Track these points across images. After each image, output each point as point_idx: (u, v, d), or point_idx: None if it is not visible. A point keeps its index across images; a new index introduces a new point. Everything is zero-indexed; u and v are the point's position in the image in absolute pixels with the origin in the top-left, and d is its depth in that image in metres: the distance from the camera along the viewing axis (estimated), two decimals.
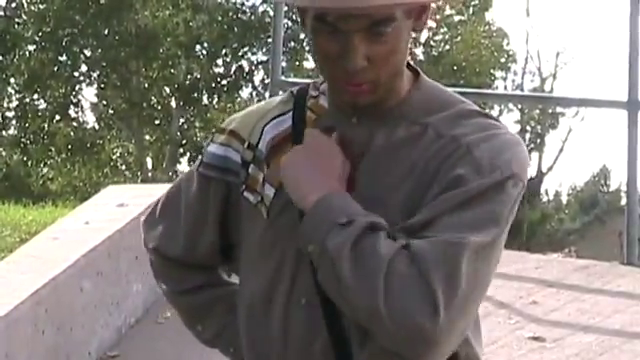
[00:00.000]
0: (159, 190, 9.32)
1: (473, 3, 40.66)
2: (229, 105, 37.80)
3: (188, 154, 38.61)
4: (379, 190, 3.11)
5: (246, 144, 3.34)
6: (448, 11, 41.76)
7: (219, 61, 38.52)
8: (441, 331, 2.93)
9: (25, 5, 38.32)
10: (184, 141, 38.72)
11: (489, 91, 37.03)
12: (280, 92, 16.37)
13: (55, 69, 37.77)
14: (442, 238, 2.92)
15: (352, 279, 2.96)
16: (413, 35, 3.14)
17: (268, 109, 3.41)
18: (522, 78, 41.02)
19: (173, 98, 38.46)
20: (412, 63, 3.25)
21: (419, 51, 41.44)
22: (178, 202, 3.54)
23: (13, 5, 37.87)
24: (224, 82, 38.55)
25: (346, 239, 2.95)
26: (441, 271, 2.90)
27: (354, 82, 3.08)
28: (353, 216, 2.99)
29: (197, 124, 38.39)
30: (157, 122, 38.20)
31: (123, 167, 35.59)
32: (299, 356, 3.21)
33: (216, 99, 38.79)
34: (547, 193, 43.88)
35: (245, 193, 3.29)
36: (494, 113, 40.30)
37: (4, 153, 35.74)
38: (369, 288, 2.94)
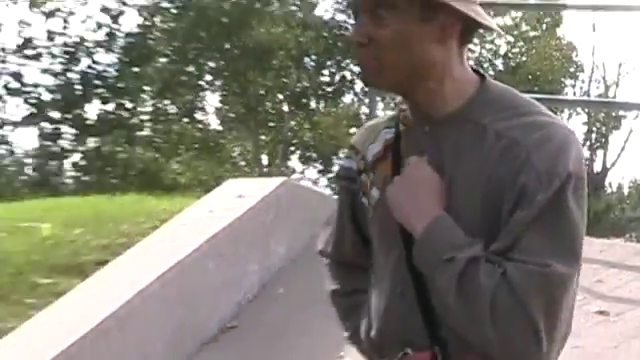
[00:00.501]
0: (273, 184, 9.51)
1: (546, 20, 40.23)
2: (333, 109, 37.63)
3: (298, 152, 38.47)
4: (455, 200, 3.04)
5: (360, 155, 3.33)
6: (524, 27, 41.39)
7: (325, 71, 38.19)
8: (546, 354, 2.92)
9: (158, 23, 38.33)
10: (295, 141, 38.49)
11: (560, 97, 36.39)
12: (377, 97, 16.25)
13: (183, 78, 37.73)
14: (534, 267, 2.86)
15: (460, 310, 2.96)
16: (436, 44, 3.05)
17: (380, 123, 3.37)
18: (589, 86, 40.28)
19: (285, 103, 38.26)
20: (480, 70, 3.22)
21: (499, 62, 41.05)
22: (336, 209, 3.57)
23: (148, 24, 37.92)
24: (329, 89, 38.26)
25: (452, 276, 2.93)
26: (540, 302, 2.87)
27: (359, 59, 3.08)
28: (456, 250, 2.94)
29: (306, 126, 38.07)
30: (271, 124, 38.02)
31: (242, 163, 35.48)
32: (397, 341, 3.16)
33: (322, 104, 38.51)
34: (611, 186, 42.92)
35: (362, 197, 3.31)
36: (564, 117, 39.95)
37: (140, 151, 35.68)
38: (477, 319, 2.94)
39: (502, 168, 2.97)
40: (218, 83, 38.36)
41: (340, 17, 37.28)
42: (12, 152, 36.83)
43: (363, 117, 30.27)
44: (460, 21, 3.05)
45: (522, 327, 2.88)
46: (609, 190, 42.64)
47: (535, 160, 2.95)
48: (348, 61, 36.95)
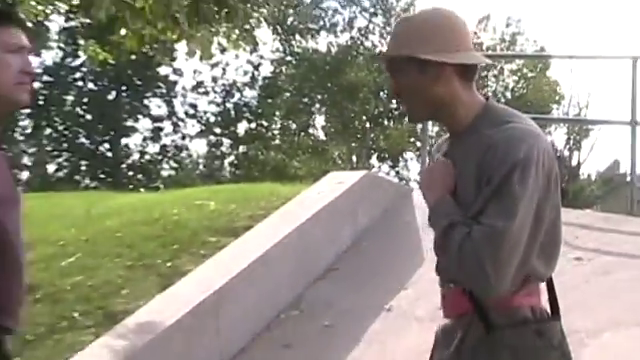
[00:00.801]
0: (359, 174, 9.50)
1: (539, 65, 39.78)
2: (399, 126, 37.54)
3: (376, 154, 38.34)
4: (460, 185, 3.02)
5: (435, 157, 3.24)
6: (525, 70, 40.95)
7: (393, 101, 38.13)
8: (494, 285, 2.87)
9: (284, 70, 38.34)
10: (374, 147, 38.42)
11: (548, 116, 36.13)
12: None
13: (301, 106, 37.78)
14: (486, 227, 2.84)
15: (444, 256, 3.01)
16: (437, 86, 3.00)
17: (445, 137, 3.27)
18: (568, 108, 39.68)
19: (367, 122, 38.14)
20: (487, 95, 3.17)
21: (508, 94, 40.63)
22: None
23: (278, 71, 37.98)
24: (396, 112, 38.10)
25: (439, 234, 2.97)
26: (487, 250, 2.83)
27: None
28: (445, 218, 2.97)
29: (381, 137, 37.87)
30: (358, 136, 37.87)
31: (339, 162, 35.38)
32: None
33: (392, 122, 38.39)
34: (583, 174, 42.58)
35: None
36: (551, 130, 39.56)
37: (272, 154, 35.76)
38: (451, 264, 2.95)
39: (484, 159, 2.94)
40: (323, 109, 38.33)
41: None
42: (190, 155, 37.04)
43: (418, 130, 30.02)
44: (450, 66, 3.03)
45: (475, 268, 2.85)
46: (582, 177, 42.11)
47: (498, 152, 2.92)
48: None
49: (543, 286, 3.12)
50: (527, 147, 2.91)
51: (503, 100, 38.92)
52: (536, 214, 2.91)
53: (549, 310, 3.11)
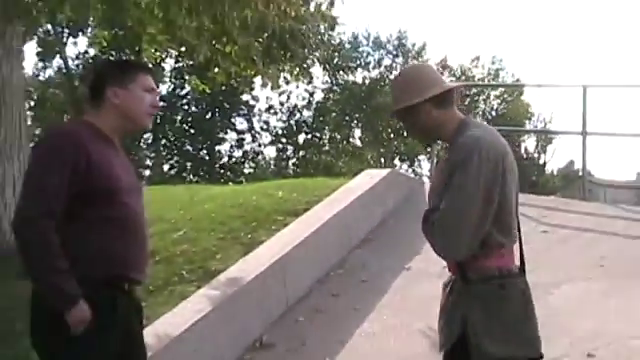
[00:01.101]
0: (386, 171, 9.45)
1: (515, 92, 39.40)
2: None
3: (398, 157, 38.17)
4: (439, 181, 3.04)
5: None
6: (505, 95, 40.62)
7: None
8: (451, 252, 2.96)
9: (331, 96, 38.30)
10: (396, 151, 38.26)
11: (521, 128, 35.94)
12: None
13: (344, 123, 37.81)
14: (442, 211, 2.91)
15: (425, 236, 3.03)
16: (424, 116, 3.04)
17: None
18: (537, 122, 39.37)
19: (392, 134, 38.05)
20: (463, 116, 3.12)
21: (494, 113, 40.30)
22: None
23: (327, 97, 37.98)
24: None
25: (422, 219, 3.05)
26: (441, 227, 2.91)
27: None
28: (428, 210, 3.04)
29: (402, 144, 37.86)
30: (385, 144, 37.77)
31: (372, 162, 35.22)
32: None
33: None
34: (548, 170, 42.19)
35: None
36: (525, 138, 39.25)
37: (324, 157, 35.76)
38: (428, 239, 3.01)
39: (449, 159, 2.98)
40: (360, 124, 38.25)
41: None
42: (264, 158, 37.14)
43: None
44: (425, 102, 3.04)
45: (437, 240, 2.94)
46: (547, 172, 41.74)
47: (453, 154, 2.97)
48: None
49: (515, 251, 3.09)
50: (470, 149, 2.90)
51: (489, 117, 38.71)
52: (484, 197, 2.86)
53: (519, 269, 3.07)
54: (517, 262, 3.08)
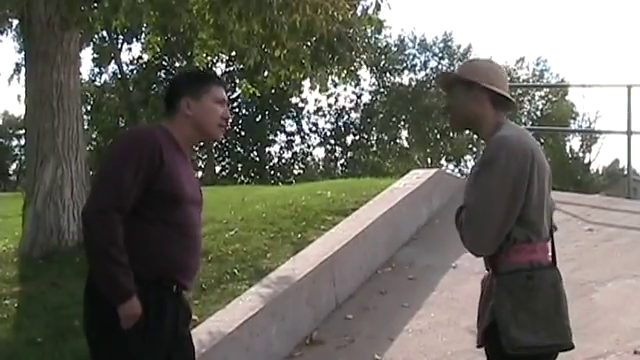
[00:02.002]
0: (433, 171, 9.45)
1: (560, 92, 38.84)
2: (461, 136, 37.18)
3: (444, 157, 37.90)
4: (469, 184, 3.07)
5: None
6: (550, 95, 40.11)
7: None
8: (477, 248, 3.00)
9: (379, 98, 38.22)
10: (442, 152, 38.07)
11: (566, 129, 35.47)
12: None
13: (390, 124, 37.71)
14: (466, 208, 2.98)
15: (458, 231, 3.06)
16: (474, 104, 3.05)
17: None
18: (581, 122, 38.78)
19: (438, 135, 37.86)
20: (505, 119, 3.11)
21: (538, 113, 39.80)
22: None
23: (374, 99, 37.92)
24: None
25: (455, 217, 3.09)
26: (468, 224, 2.95)
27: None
28: (459, 208, 3.08)
29: (448, 145, 37.67)
30: (432, 144, 37.61)
31: (419, 163, 35.09)
32: None
33: (456, 135, 37.93)
34: (593, 169, 41.53)
35: None
36: (569, 138, 38.72)
37: (371, 158, 35.73)
38: (459, 234, 3.06)
39: (481, 158, 3.03)
40: (407, 125, 38.13)
41: None
42: (313, 159, 37.23)
43: (474, 140, 29.67)
44: (486, 93, 3.05)
45: (464, 236, 3.00)
46: (592, 171, 41.13)
47: (484, 152, 3.01)
48: None
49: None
50: (496, 148, 2.93)
51: (534, 117, 38.28)
52: (510, 194, 2.89)
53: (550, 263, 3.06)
54: (550, 258, 3.07)
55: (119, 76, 30.51)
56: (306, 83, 12.93)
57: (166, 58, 29.81)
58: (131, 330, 3.00)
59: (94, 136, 30.41)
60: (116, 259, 2.97)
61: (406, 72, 37.92)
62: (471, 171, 3.12)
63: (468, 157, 36.49)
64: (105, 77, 32.17)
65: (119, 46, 29.43)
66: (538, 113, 39.82)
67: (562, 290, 3.01)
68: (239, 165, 35.04)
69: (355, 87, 34.72)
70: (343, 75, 10.56)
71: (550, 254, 3.06)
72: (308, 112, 36.43)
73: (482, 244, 2.96)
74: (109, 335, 3.04)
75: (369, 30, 15.75)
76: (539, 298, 2.93)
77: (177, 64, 30.78)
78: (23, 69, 8.59)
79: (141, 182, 3.04)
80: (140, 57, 30.40)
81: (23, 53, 8.67)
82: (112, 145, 3.42)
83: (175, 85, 3.44)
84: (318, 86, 10.24)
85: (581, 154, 40.41)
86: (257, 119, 34.70)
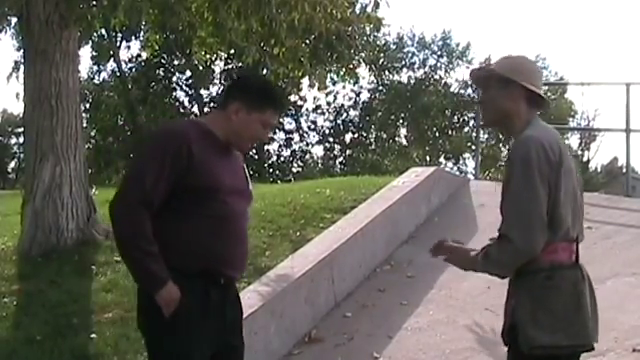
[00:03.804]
0: (431, 169, 9.41)
1: (559, 90, 38.80)
2: (459, 134, 37.19)
3: (443, 155, 37.88)
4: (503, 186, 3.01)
5: None
6: (549, 93, 40.09)
7: (455, 117, 37.67)
8: (534, 247, 2.88)
9: (377, 96, 38.22)
10: (441, 150, 38.06)
11: (565, 126, 35.46)
12: (480, 130, 15.82)
13: (389, 122, 37.72)
14: (508, 216, 2.92)
15: (501, 267, 3.02)
16: (509, 102, 3.01)
17: None
18: (580, 120, 38.76)
19: (437, 133, 37.88)
20: (536, 118, 3.06)
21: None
22: None
23: (372, 97, 37.88)
24: (457, 125, 37.68)
25: (485, 265, 3.06)
26: (514, 225, 2.89)
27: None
28: (477, 259, 3.06)
29: (447, 143, 37.68)
30: (430, 142, 37.56)
31: (417, 160, 35.05)
32: None
33: (454, 133, 37.91)
34: (591, 167, 41.56)
35: None
36: (568, 136, 38.76)
37: (370, 156, 35.73)
38: (503, 260, 2.97)
39: (508, 158, 2.97)
40: (405, 123, 38.11)
41: (464, 91, 36.63)
42: (312, 157, 37.23)
43: (473, 138, 29.65)
44: (521, 90, 3.01)
45: (516, 245, 2.90)
46: (591, 169, 41.15)
47: (511, 152, 2.97)
48: (465, 112, 36.27)
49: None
50: (521, 147, 2.90)
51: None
52: (542, 188, 2.86)
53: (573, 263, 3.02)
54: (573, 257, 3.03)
55: (118, 74, 30.49)
56: (305, 81, 12.96)
57: (165, 56, 29.77)
58: (177, 323, 3.07)
59: (93, 134, 30.38)
60: (145, 249, 3.04)
61: (405, 70, 37.87)
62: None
63: (467, 155, 36.48)
64: (104, 75, 32.17)
65: (118, 44, 29.41)
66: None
67: (585, 290, 2.98)
68: None
69: (354, 85, 34.68)
70: (342, 73, 10.57)
71: (574, 255, 3.03)
72: (307, 110, 36.44)
73: (537, 241, 2.87)
74: (155, 321, 3.11)
75: (368, 28, 15.74)
76: (558, 298, 2.91)
77: (176, 62, 30.78)
78: (22, 67, 8.57)
79: (168, 177, 3.09)
80: (139, 55, 30.41)
81: (22, 51, 8.64)
82: (144, 143, 3.50)
83: (238, 87, 3.45)
84: (317, 84, 10.23)
85: (580, 152, 40.43)
86: None
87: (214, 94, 32.77)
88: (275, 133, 35.63)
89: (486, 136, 34.34)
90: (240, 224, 3.30)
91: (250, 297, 5.94)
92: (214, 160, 3.21)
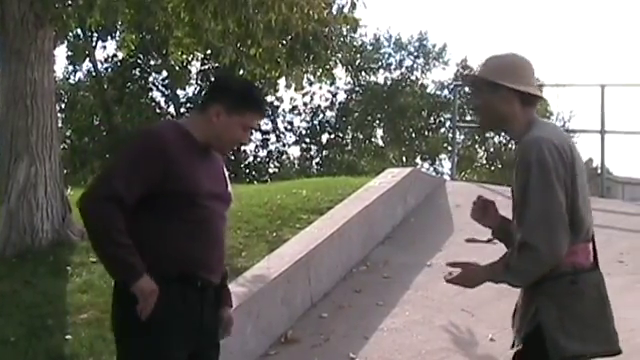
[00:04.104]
0: (407, 170, 9.43)
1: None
2: (435, 136, 37.29)
3: (419, 156, 37.98)
4: (514, 184, 2.94)
5: None
6: None
7: (431, 118, 37.75)
8: (559, 251, 2.81)
9: (354, 97, 38.26)
10: (417, 151, 38.16)
11: None
12: (457, 130, 15.84)
13: (366, 122, 37.79)
14: (529, 221, 2.80)
15: (526, 274, 2.92)
16: (503, 104, 2.93)
17: None
18: (555, 122, 39.06)
19: (413, 134, 38.01)
20: (534, 118, 2.99)
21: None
22: None
23: (349, 98, 37.93)
24: (434, 127, 37.81)
25: (507, 275, 2.96)
26: (538, 231, 2.79)
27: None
28: (499, 271, 2.95)
29: (423, 144, 37.77)
30: (407, 143, 37.66)
31: (394, 161, 35.10)
32: None
33: (430, 134, 38.03)
34: None
35: None
36: None
37: (346, 156, 35.80)
38: (529, 267, 2.86)
39: (518, 162, 2.87)
40: (382, 124, 38.16)
41: (441, 92, 36.77)
42: (288, 158, 37.19)
43: (450, 139, 29.75)
44: (513, 92, 2.94)
45: (541, 246, 2.81)
46: None
47: (519, 157, 2.86)
48: (441, 113, 36.37)
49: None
50: (530, 150, 2.81)
51: None
52: (565, 193, 2.80)
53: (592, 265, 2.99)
54: (592, 258, 3.00)
55: (94, 74, 30.25)
56: (281, 82, 12.95)
57: (141, 56, 29.55)
58: (152, 325, 3.04)
59: (68, 134, 30.10)
60: (118, 241, 3.01)
61: (381, 71, 37.94)
62: (514, 175, 2.96)
63: (443, 156, 36.60)
64: (79, 75, 31.87)
65: (94, 44, 29.17)
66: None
67: (605, 292, 2.95)
68: None
69: (330, 86, 34.59)
70: (318, 74, 10.58)
71: (591, 255, 2.99)
72: (283, 111, 36.36)
73: (562, 245, 2.80)
74: (129, 324, 3.09)
75: (344, 29, 15.76)
76: (584, 303, 2.86)
77: (152, 62, 30.61)
78: None
79: (143, 177, 3.06)
80: (115, 55, 30.15)
81: None
82: (125, 145, 3.45)
83: (218, 88, 3.42)
84: (293, 85, 10.25)
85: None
86: None
87: (190, 95, 32.65)
88: (251, 134, 35.57)
89: (462, 137, 34.48)
90: (218, 227, 3.28)
91: None
92: (193, 163, 3.18)
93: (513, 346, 3.02)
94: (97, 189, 3.10)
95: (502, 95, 2.94)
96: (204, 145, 3.27)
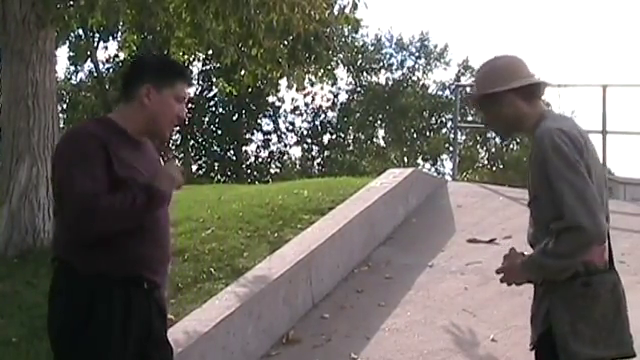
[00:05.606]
0: (409, 170, 9.41)
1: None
2: (436, 136, 37.24)
3: (420, 157, 37.94)
4: (530, 173, 2.92)
5: None
6: None
7: (433, 119, 37.68)
8: (601, 230, 2.78)
9: (355, 98, 38.23)
10: (419, 151, 38.12)
11: None
12: (458, 131, 15.79)
13: (367, 123, 37.77)
14: (568, 210, 2.71)
15: (565, 258, 2.83)
16: (507, 108, 2.92)
17: None
18: None
19: (414, 134, 37.95)
20: (544, 110, 2.98)
21: None
22: None
23: (351, 98, 37.88)
24: (435, 127, 37.78)
25: (545, 263, 2.87)
26: (578, 213, 2.70)
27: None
28: (537, 265, 2.85)
29: (424, 145, 37.71)
30: (408, 144, 37.62)
31: (395, 162, 35.10)
32: None
33: (431, 134, 37.96)
34: None
35: None
36: None
37: (348, 157, 35.76)
38: (570, 245, 2.78)
39: (534, 156, 2.85)
40: (383, 124, 38.12)
41: (442, 93, 36.80)
42: (290, 158, 37.18)
43: (451, 139, 29.70)
44: (509, 92, 2.93)
45: (586, 232, 2.76)
46: None
47: (535, 150, 2.83)
48: (443, 113, 36.34)
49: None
50: (544, 140, 2.78)
51: None
52: (583, 172, 2.75)
53: (607, 265, 2.93)
54: (606, 257, 2.95)
55: (95, 74, 30.28)
56: (283, 82, 12.92)
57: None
58: (98, 330, 2.94)
59: None
60: (130, 204, 2.92)
61: (383, 71, 37.95)
62: (530, 168, 2.94)
63: (445, 156, 36.58)
64: (81, 75, 31.96)
65: (95, 44, 29.20)
66: None
67: (621, 294, 2.91)
68: (216, 164, 34.90)
69: (332, 86, 34.67)
70: (320, 74, 10.57)
71: (606, 253, 2.94)
72: (285, 111, 36.39)
73: (603, 223, 2.75)
74: (75, 336, 2.97)
75: (346, 29, 15.77)
76: (598, 307, 2.81)
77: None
78: None
79: (99, 167, 2.93)
80: (116, 55, 30.16)
81: None
82: (57, 154, 3.16)
83: (139, 68, 3.22)
84: (295, 85, 10.23)
85: None
86: (234, 118, 34.59)
87: (192, 95, 32.67)
88: (253, 134, 35.60)
89: (464, 137, 34.47)
90: (160, 224, 3.13)
91: (227, 298, 5.93)
92: (129, 159, 3.03)
93: (532, 345, 2.99)
94: (85, 195, 2.89)
95: (501, 101, 2.95)
96: (138, 136, 3.13)
